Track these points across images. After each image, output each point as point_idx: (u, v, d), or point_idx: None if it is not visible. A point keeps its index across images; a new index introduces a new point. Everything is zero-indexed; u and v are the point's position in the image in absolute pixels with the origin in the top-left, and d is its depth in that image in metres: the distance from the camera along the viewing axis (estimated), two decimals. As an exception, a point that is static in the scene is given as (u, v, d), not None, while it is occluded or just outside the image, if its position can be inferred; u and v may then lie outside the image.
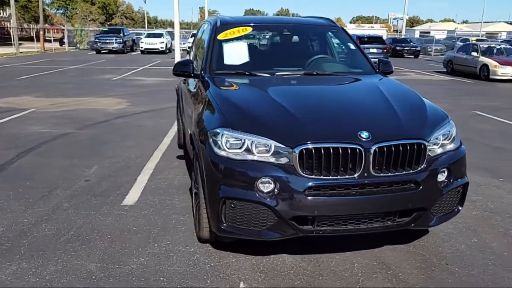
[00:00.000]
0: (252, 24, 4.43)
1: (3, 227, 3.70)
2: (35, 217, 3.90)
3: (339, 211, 2.85)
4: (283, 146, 2.79)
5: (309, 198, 2.76)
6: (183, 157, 5.75)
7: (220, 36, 4.28)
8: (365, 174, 2.80)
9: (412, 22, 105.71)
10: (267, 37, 4.58)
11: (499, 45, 17.58)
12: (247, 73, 3.98)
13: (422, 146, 2.90)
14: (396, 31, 75.99)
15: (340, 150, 2.76)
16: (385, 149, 2.80)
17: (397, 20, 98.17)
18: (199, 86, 4.01)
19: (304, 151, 2.75)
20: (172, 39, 35.64)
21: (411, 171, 2.89)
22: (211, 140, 2.99)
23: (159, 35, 32.71)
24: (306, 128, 2.87)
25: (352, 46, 4.52)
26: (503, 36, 51.84)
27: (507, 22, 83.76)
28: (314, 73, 4.06)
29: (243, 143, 2.87)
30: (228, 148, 2.90)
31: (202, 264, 3.16)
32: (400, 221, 3.00)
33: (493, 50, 17.26)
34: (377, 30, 68.98)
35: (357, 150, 2.77)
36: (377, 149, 2.79)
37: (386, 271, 3.09)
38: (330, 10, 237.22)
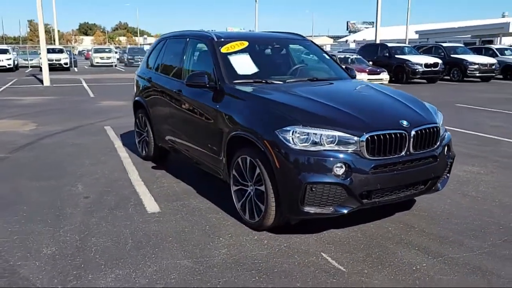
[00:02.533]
0: (246, 39, 4.96)
1: (52, 247, 3.64)
2: (74, 234, 3.88)
3: (391, 184, 3.63)
4: (350, 136, 3.47)
5: (373, 175, 3.49)
6: (159, 167, 5.95)
7: (224, 50, 4.73)
8: (408, 152, 3.63)
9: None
10: (262, 50, 5.15)
11: (352, 55, 20.29)
12: (263, 81, 4.53)
13: (437, 128, 3.86)
14: None
15: (393, 135, 3.55)
16: (419, 132, 3.68)
17: None
18: (215, 96, 4.41)
19: (369, 139, 3.47)
20: (18, 55, 33.33)
21: (432, 148, 3.81)
22: (281, 137, 3.51)
23: (5, 51, 29.93)
24: (364, 121, 3.59)
25: (327, 56, 5.36)
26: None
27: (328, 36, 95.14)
28: (315, 79, 4.79)
29: (314, 136, 3.46)
30: (301, 142, 3.46)
31: (277, 246, 3.64)
32: (422, 188, 3.90)
33: (348, 60, 19.92)
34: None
35: (403, 134, 3.59)
36: (414, 133, 3.64)
37: (414, 229, 3.96)
38: (174, 25, 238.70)
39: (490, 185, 5.21)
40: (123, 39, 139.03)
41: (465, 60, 20.76)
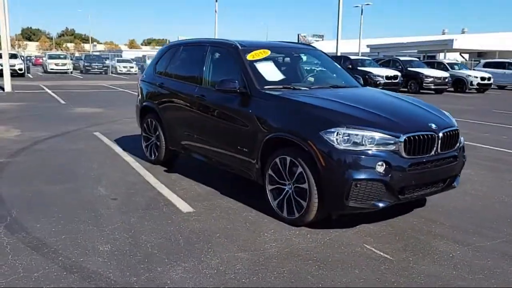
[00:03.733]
0: (268, 47, 5.26)
1: (107, 245, 3.74)
2: (122, 232, 3.99)
3: (422, 181, 4.02)
4: (389, 136, 3.83)
5: (409, 173, 3.87)
6: (171, 171, 6.10)
7: (249, 57, 5.00)
8: (436, 152, 4.05)
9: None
10: (282, 58, 5.45)
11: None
12: (291, 87, 4.84)
13: (458, 131, 4.31)
14: None
15: (425, 137, 3.95)
16: (445, 134, 4.11)
17: None
18: (245, 101, 4.66)
19: (406, 139, 3.85)
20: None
21: (454, 149, 4.26)
22: (326, 138, 3.83)
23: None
24: (400, 124, 3.97)
25: (338, 65, 5.76)
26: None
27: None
28: (335, 85, 5.15)
29: (356, 137, 3.80)
30: (344, 143, 3.79)
31: (321, 239, 3.93)
32: (442, 185, 4.33)
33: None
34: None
35: (433, 136, 4.00)
36: (442, 135, 4.07)
37: (436, 223, 4.37)
38: (123, 33, 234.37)
39: (484, 185, 5.76)
40: (70, 45, 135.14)
41: (421, 73, 22.02)
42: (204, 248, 3.70)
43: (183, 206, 4.70)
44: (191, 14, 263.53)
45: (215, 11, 38.16)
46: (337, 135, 3.80)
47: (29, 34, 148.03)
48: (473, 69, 26.97)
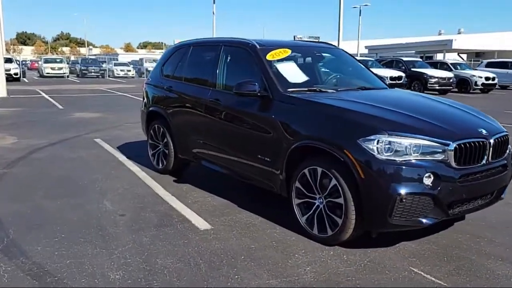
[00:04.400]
0: (287, 47, 4.81)
1: (118, 271, 3.28)
2: (134, 255, 3.53)
3: (472, 194, 3.58)
4: (437, 144, 3.38)
5: (460, 185, 3.42)
6: (181, 181, 5.64)
7: (269, 57, 4.55)
8: (488, 161, 3.60)
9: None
10: (303, 58, 4.99)
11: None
12: (316, 89, 4.39)
13: (508, 137, 3.86)
14: None
15: (476, 144, 3.50)
16: (497, 140, 3.66)
17: None
18: (266, 105, 4.22)
19: (457, 147, 3.40)
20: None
21: (503, 157, 3.81)
22: (364, 147, 3.38)
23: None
24: (448, 130, 3.52)
25: (361, 65, 5.31)
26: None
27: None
28: (363, 87, 4.70)
29: (399, 146, 3.35)
30: (386, 152, 3.34)
31: (360, 261, 3.47)
32: (490, 197, 3.88)
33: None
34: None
35: (485, 143, 3.55)
36: (493, 141, 3.62)
37: (483, 239, 3.92)
38: (119, 37, 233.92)
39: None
40: (66, 49, 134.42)
41: (426, 73, 21.63)
42: (230, 274, 3.24)
43: (200, 223, 4.24)
44: (187, 17, 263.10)
45: (213, 13, 37.72)
46: (377, 143, 3.35)
47: (24, 39, 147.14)
48: (476, 69, 26.60)
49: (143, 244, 3.73)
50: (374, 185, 3.34)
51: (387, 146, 3.35)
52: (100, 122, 10.92)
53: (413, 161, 3.33)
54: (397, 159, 3.32)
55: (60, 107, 14.45)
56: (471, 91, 23.24)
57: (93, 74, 36.61)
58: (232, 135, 4.65)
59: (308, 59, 5.04)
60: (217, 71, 4.99)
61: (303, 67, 4.75)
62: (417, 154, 3.35)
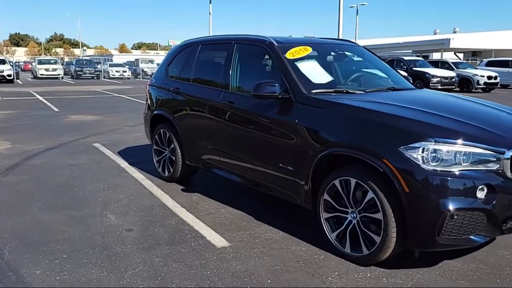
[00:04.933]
0: (307, 44, 4.41)
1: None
2: (146, 280, 3.12)
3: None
4: (491, 152, 2.99)
5: (517, 198, 3.02)
6: (189, 189, 5.23)
7: (289, 56, 4.15)
8: None
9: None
10: (325, 57, 4.59)
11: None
12: (343, 90, 3.99)
13: None
14: None
15: (532, 150, 3.11)
16: None
17: None
18: (288, 108, 3.83)
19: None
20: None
21: None
22: (408, 155, 2.98)
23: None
24: (501, 136, 3.12)
25: (385, 64, 4.91)
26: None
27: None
28: (392, 88, 4.30)
29: (448, 154, 2.96)
30: (433, 161, 2.95)
31: (403, 285, 3.08)
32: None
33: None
34: (164, 56, 71.98)
35: None
36: None
37: (531, 255, 3.54)
38: (113, 37, 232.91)
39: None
40: (60, 50, 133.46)
41: (428, 73, 21.31)
42: None
43: (215, 239, 3.83)
44: (181, 18, 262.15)
45: (209, 13, 37.28)
46: (422, 152, 2.96)
47: (17, 40, 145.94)
48: (476, 68, 26.32)
49: (156, 266, 3.32)
50: (420, 199, 2.94)
51: (433, 154, 2.96)
52: (98, 125, 10.48)
53: (464, 171, 2.94)
54: (446, 169, 2.93)
55: (56, 109, 13.98)
56: (473, 90, 22.93)
57: (88, 75, 36.06)
58: (248, 141, 4.25)
59: (330, 57, 4.63)
60: (230, 71, 4.58)
61: (325, 66, 4.35)
62: (468, 164, 2.96)
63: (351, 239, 3.36)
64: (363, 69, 4.69)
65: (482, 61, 29.31)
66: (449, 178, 2.91)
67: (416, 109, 3.44)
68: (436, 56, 43.13)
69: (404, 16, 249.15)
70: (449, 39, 43.99)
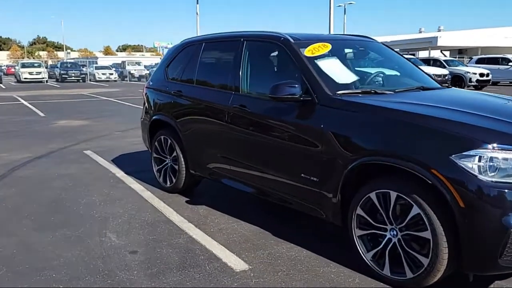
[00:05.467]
0: (326, 40, 4.00)
1: None
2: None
3: None
4: None
5: None
6: (194, 202, 4.79)
7: (307, 53, 3.74)
8: None
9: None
10: (344, 54, 4.18)
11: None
12: (371, 90, 3.59)
13: None
14: None
15: None
16: None
17: (162, 49, 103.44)
18: (310, 111, 3.42)
19: None
20: None
21: None
22: (461, 165, 2.58)
23: None
24: None
25: (408, 61, 4.52)
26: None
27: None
28: (421, 87, 3.91)
29: (508, 163, 2.57)
30: (491, 171, 2.56)
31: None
32: None
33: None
34: (150, 58, 71.37)
35: None
36: None
37: None
38: (97, 40, 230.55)
39: None
40: (43, 53, 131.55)
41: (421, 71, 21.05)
42: None
43: (233, 261, 3.39)
44: (167, 19, 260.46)
45: (197, 13, 36.76)
46: (479, 161, 2.56)
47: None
48: (467, 66, 26.23)
49: (170, 297, 2.87)
50: (479, 215, 2.55)
51: (491, 163, 2.56)
52: (87, 131, 9.96)
53: (530, 181, 2.55)
54: (507, 181, 2.53)
55: (42, 114, 13.40)
56: (465, 87, 22.77)
57: (73, 78, 35.29)
58: (263, 149, 3.82)
59: (350, 54, 4.23)
60: (240, 72, 4.15)
61: (347, 64, 3.94)
62: None
63: (391, 260, 2.95)
64: (385, 67, 4.29)
65: (471, 58, 29.26)
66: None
67: (462, 111, 3.05)
68: (422, 54, 43.20)
69: (390, 16, 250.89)
70: (437, 37, 44.11)
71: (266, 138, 3.77)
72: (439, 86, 4.16)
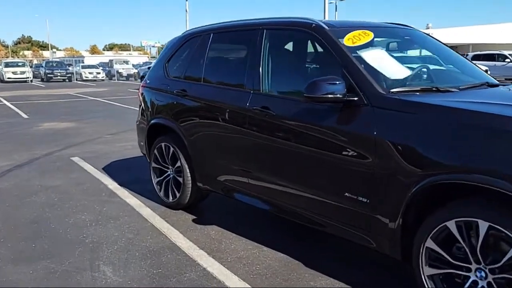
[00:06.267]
0: (366, 28, 3.29)
1: None
2: None
3: None
4: None
5: None
6: (202, 220, 4.06)
7: (347, 42, 3.03)
8: None
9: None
10: (388, 44, 3.48)
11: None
12: (432, 88, 2.88)
13: None
14: (154, 57, 78.62)
15: None
16: None
17: (150, 48, 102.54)
18: (355, 115, 2.72)
19: None
20: None
21: None
22: None
23: None
24: None
25: (457, 53, 3.83)
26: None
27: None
28: (486, 83, 3.22)
29: None
30: None
31: None
32: None
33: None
34: (137, 57, 70.44)
35: None
36: None
37: None
38: (83, 39, 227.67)
39: None
40: (28, 53, 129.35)
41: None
42: None
43: (263, 303, 2.66)
44: (154, 18, 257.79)
45: (186, 11, 35.91)
46: None
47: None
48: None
49: None
50: None
51: None
52: (74, 134, 9.16)
53: None
54: None
55: (25, 116, 12.53)
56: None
57: (59, 77, 34.20)
58: (293, 160, 3.12)
59: (393, 44, 3.52)
60: (260, 67, 3.43)
61: (396, 57, 3.22)
62: None
63: (482, 309, 2.25)
64: (437, 60, 3.59)
65: (467, 54, 28.81)
66: None
67: None
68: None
69: (378, 13, 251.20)
70: (429, 34, 43.76)
71: (296, 147, 3.05)
72: (497, 82, 3.47)
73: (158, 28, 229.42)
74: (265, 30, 3.51)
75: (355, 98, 2.74)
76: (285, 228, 3.87)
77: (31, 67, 37.24)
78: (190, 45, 4.32)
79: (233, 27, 3.96)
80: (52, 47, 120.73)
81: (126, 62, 39.58)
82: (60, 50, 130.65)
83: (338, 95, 2.72)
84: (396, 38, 3.61)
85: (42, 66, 36.62)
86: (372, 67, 2.89)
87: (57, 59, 48.72)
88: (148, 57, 75.37)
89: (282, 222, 3.76)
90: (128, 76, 36.15)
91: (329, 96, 2.72)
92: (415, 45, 3.70)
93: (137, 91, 4.83)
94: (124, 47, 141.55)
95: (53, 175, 5.80)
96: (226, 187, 3.81)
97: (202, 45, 4.13)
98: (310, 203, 3.07)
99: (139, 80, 26.48)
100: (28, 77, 32.79)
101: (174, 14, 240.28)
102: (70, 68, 36.54)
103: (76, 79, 35.62)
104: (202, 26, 4.40)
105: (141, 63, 41.06)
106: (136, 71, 34.21)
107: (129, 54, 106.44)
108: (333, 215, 2.94)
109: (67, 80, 34.43)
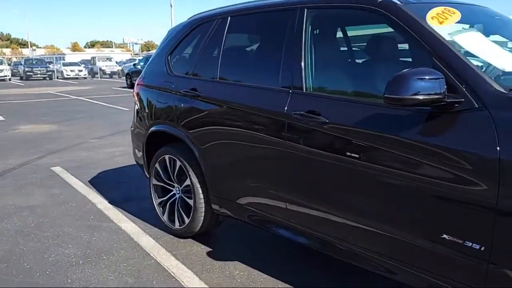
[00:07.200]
0: (446, 5, 2.45)
1: None
2: None
3: None
4: None
5: None
6: (220, 254, 3.19)
7: (432, 22, 2.19)
8: None
9: (148, 47, 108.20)
10: (473, 26, 2.64)
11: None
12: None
13: None
14: (137, 54, 77.30)
15: None
16: None
17: (133, 44, 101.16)
18: (457, 124, 1.91)
19: None
20: None
21: None
22: None
23: None
24: None
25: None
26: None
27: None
28: None
29: None
30: None
31: None
32: None
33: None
34: (120, 54, 69.02)
35: None
36: None
37: None
38: (64, 36, 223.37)
39: None
40: (7, 51, 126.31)
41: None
42: None
43: None
44: (137, 14, 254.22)
45: (171, 5, 34.75)
46: None
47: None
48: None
49: None
50: None
51: None
52: (55, 138, 8.19)
53: None
54: None
55: (1, 118, 11.46)
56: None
57: (39, 76, 32.86)
58: (359, 185, 2.26)
59: (479, 26, 2.68)
60: (302, 60, 2.57)
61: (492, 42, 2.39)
62: None
63: None
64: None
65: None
66: None
67: None
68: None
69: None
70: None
71: (364, 168, 2.20)
72: None
73: (141, 24, 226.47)
74: (305, 10, 2.65)
75: (460, 99, 1.90)
76: (329, 262, 3.02)
77: (9, 65, 35.73)
78: (200, 33, 3.44)
79: (259, 8, 3.08)
80: (32, 44, 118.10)
81: (110, 59, 38.33)
82: (40, 47, 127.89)
83: (436, 96, 1.88)
84: (485, 17, 2.77)
85: (21, 64, 35.18)
86: (478, 57, 2.06)
87: (37, 57, 47.08)
88: (131, 54, 74.28)
89: (325, 257, 2.90)
90: (112, 74, 35.00)
91: (426, 97, 1.87)
92: (502, 27, 2.85)
93: (121, 89, 3.94)
94: (106, 44, 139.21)
95: (30, 191, 4.87)
96: (252, 214, 2.96)
97: (217, 32, 3.26)
98: (379, 243, 2.24)
99: (124, 78, 25.37)
100: (6, 76, 31.39)
101: (158, 9, 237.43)
102: (50, 66, 35.18)
103: (57, 77, 34.30)
104: (214, 9, 3.52)
105: (125, 60, 39.82)
106: (120, 68, 33.04)
107: (112, 51, 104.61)
108: (415, 261, 2.11)
109: (47, 78, 33.13)
